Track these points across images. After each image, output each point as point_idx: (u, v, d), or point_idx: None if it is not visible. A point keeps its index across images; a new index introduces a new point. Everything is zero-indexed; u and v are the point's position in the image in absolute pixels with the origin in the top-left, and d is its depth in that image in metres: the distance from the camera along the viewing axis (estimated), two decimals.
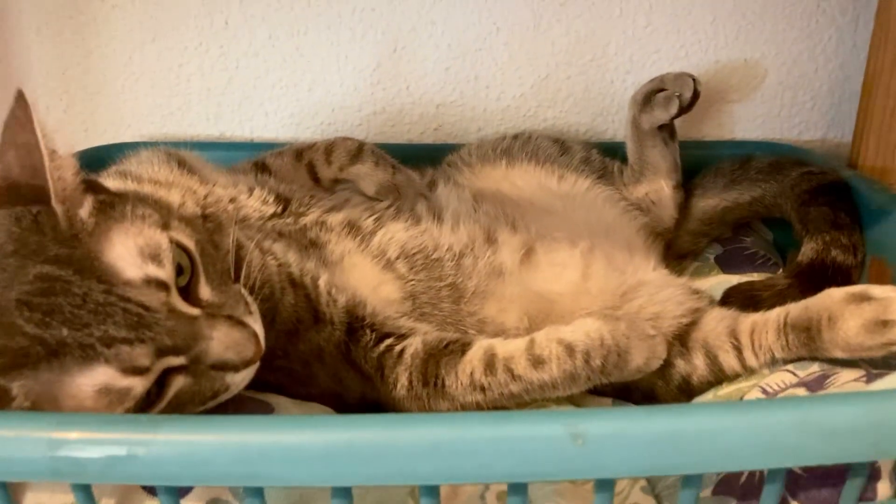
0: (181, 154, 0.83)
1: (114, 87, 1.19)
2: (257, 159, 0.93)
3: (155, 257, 0.57)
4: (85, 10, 1.15)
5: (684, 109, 1.00)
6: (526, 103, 1.18)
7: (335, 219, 0.85)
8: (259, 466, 0.49)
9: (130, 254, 0.57)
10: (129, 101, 1.20)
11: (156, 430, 0.49)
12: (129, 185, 0.76)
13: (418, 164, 1.05)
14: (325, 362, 0.74)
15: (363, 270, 0.83)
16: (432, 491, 0.52)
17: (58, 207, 0.57)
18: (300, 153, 0.93)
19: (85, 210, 0.58)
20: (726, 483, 0.63)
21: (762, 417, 0.50)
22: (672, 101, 0.99)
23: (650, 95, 1.01)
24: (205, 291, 0.60)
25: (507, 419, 0.50)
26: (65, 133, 1.21)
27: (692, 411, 0.51)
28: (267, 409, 0.67)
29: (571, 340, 0.71)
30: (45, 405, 0.53)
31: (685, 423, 0.49)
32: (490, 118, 1.19)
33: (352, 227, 0.85)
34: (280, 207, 0.83)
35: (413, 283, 0.83)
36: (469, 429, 0.50)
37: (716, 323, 0.84)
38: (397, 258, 0.84)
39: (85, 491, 0.53)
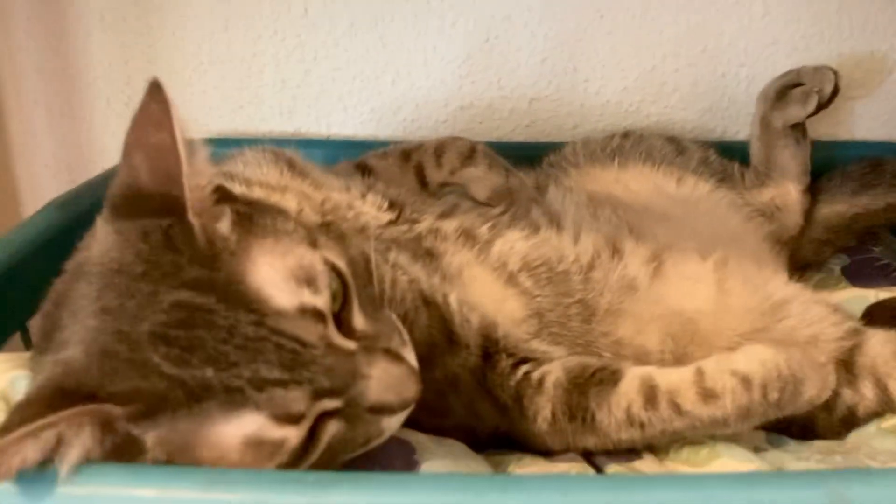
0: (289, 155, 0.75)
1: (180, 78, 1.10)
2: (359, 161, 0.84)
3: (310, 282, 0.48)
4: None
5: (822, 106, 0.91)
6: (628, 98, 1.09)
7: (449, 226, 0.76)
8: None
9: (281, 277, 0.48)
10: (197, 94, 1.11)
11: (326, 493, 0.41)
12: (238, 189, 0.67)
13: (510, 163, 0.96)
14: (461, 391, 0.66)
15: (484, 285, 0.74)
16: None
17: (195, 221, 0.48)
18: (408, 154, 0.84)
19: (224, 224, 0.49)
20: None
21: None
22: (811, 96, 0.90)
23: (785, 90, 0.92)
24: (358, 320, 0.51)
25: (761, 481, 0.41)
26: (125, 129, 1.12)
27: None
28: (408, 449, 0.58)
29: (747, 371, 0.63)
30: (180, 458, 0.44)
31: None
32: (587, 114, 1.10)
33: (467, 236, 0.76)
34: (395, 214, 0.74)
35: (539, 298, 0.74)
36: (712, 491, 0.41)
37: (881, 346, 0.75)
38: (520, 271, 0.75)
39: None
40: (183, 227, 0.48)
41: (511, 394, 0.66)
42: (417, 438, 0.60)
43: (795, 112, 0.91)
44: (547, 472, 0.64)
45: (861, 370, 0.74)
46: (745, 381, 0.62)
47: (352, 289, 0.51)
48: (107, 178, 0.62)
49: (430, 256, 0.74)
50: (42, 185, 1.14)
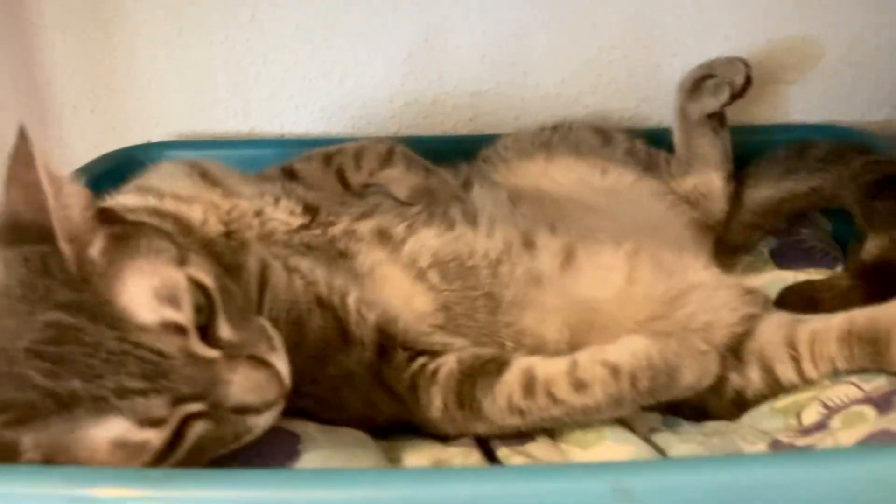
0: (204, 165, 0.80)
1: (141, 84, 1.16)
2: (285, 165, 0.89)
3: (172, 299, 0.54)
4: (107, 2, 1.12)
5: (735, 97, 0.93)
6: (566, 90, 1.12)
7: (365, 227, 0.81)
8: None
9: (145, 296, 0.53)
10: (157, 99, 1.17)
11: (168, 487, 0.46)
12: (150, 202, 0.73)
13: (454, 157, 1.01)
14: (356, 386, 0.71)
15: (394, 282, 0.79)
16: None
17: (65, 248, 0.54)
18: (329, 158, 0.89)
19: (96, 248, 0.55)
20: None
21: (825, 469, 0.45)
22: (722, 88, 0.93)
23: (699, 82, 0.95)
24: (224, 330, 0.57)
25: (547, 473, 0.46)
26: (93, 133, 1.19)
27: (747, 462, 0.46)
28: (293, 440, 0.64)
29: (616, 361, 0.67)
30: (58, 458, 0.51)
31: (738, 476, 0.45)
32: (528, 107, 1.13)
33: (382, 236, 0.81)
34: (308, 218, 0.79)
35: (447, 293, 0.79)
36: (506, 483, 0.46)
37: (772, 332, 0.78)
38: (429, 267, 0.80)
39: None
40: (56, 254, 0.53)
41: (406, 385, 0.71)
42: (306, 429, 0.66)
43: (709, 103, 0.94)
44: (439, 457, 0.69)
45: (749, 355, 0.78)
46: (615, 371, 0.66)
47: (217, 303, 0.56)
48: None
49: (343, 257, 0.79)
50: None
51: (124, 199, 0.74)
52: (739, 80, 0.92)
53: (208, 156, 0.84)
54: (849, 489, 0.44)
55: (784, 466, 0.45)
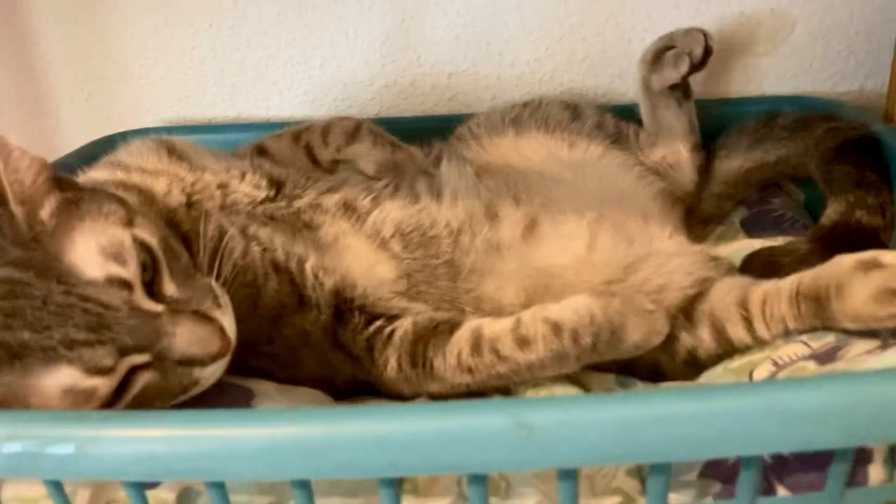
0: (172, 141, 0.83)
1: (131, 72, 1.20)
2: (257, 143, 0.93)
3: (117, 256, 0.57)
4: None
5: (696, 67, 0.95)
6: (541, 68, 1.15)
7: (331, 200, 0.84)
8: (204, 462, 0.49)
9: (92, 253, 0.57)
10: (148, 86, 1.21)
11: (103, 427, 0.50)
12: (118, 175, 0.76)
13: (433, 135, 1.03)
14: (312, 346, 0.74)
15: (357, 251, 0.82)
16: (390, 482, 0.52)
17: (17, 210, 0.57)
18: (297, 135, 0.92)
19: (46, 211, 0.59)
20: (713, 466, 0.61)
21: (717, 403, 0.47)
22: (682, 58, 0.94)
23: (659, 54, 0.97)
24: (169, 287, 0.60)
25: (452, 411, 0.49)
26: (89, 121, 1.24)
27: (644, 399, 0.48)
28: (248, 395, 0.67)
29: (558, 319, 0.69)
30: (12, 405, 0.54)
31: (635, 411, 0.47)
32: (504, 85, 1.16)
33: (347, 208, 0.84)
34: (273, 191, 0.82)
35: (408, 261, 0.82)
36: (412, 422, 0.48)
37: (724, 293, 0.80)
38: (392, 237, 0.83)
39: (54, 485, 0.54)
40: (8, 215, 0.57)
41: (362, 346, 0.74)
42: (262, 387, 0.69)
43: (670, 74, 0.96)
44: None
45: (700, 315, 0.79)
46: (556, 328, 0.69)
47: (161, 262, 0.60)
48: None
49: (307, 228, 0.82)
50: None
51: (95, 174, 0.78)
52: (699, 50, 0.94)
53: (197, 140, 0.88)
54: (737, 421, 0.46)
55: (676, 401, 0.47)
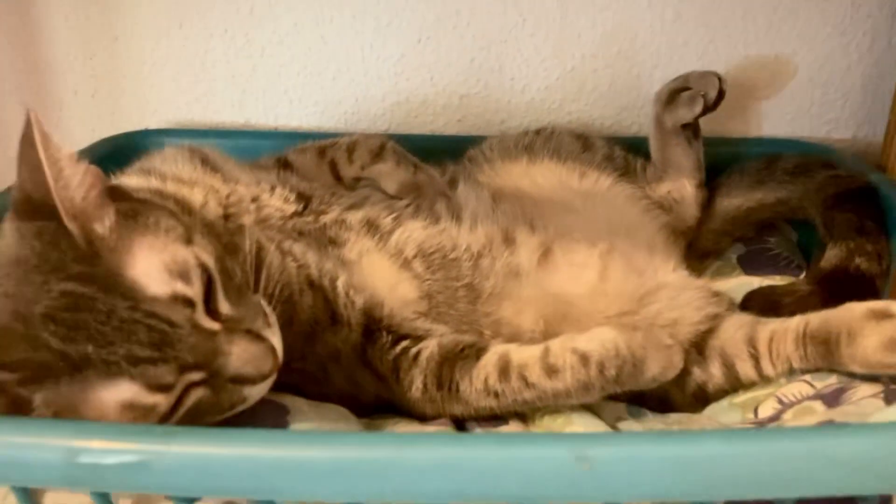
0: (205, 151, 0.84)
1: (140, 72, 1.20)
2: (280, 155, 0.93)
3: (183, 274, 0.58)
4: None
5: (709, 109, 0.98)
6: (551, 96, 1.17)
7: (355, 217, 0.85)
8: (269, 481, 0.50)
9: (156, 270, 0.57)
10: (156, 87, 1.20)
11: (170, 442, 0.50)
12: (153, 183, 0.76)
13: (441, 155, 1.05)
14: (341, 363, 0.75)
15: (381, 269, 0.83)
16: None
17: (71, 225, 0.57)
18: (323, 150, 0.93)
19: (104, 225, 0.59)
20: None
21: (771, 446, 0.50)
22: (696, 100, 0.98)
23: (674, 94, 1.00)
24: (224, 306, 0.61)
25: (514, 442, 0.50)
26: (92, 118, 1.22)
27: (701, 438, 0.51)
28: (282, 411, 0.68)
29: (586, 350, 0.71)
30: (66, 415, 0.55)
31: (693, 450, 0.50)
32: (514, 110, 1.18)
33: (370, 226, 0.85)
34: (301, 206, 0.83)
35: (429, 282, 0.84)
36: (475, 449, 0.50)
37: (734, 330, 0.84)
38: (414, 257, 0.84)
39: (103, 497, 0.54)
40: (64, 231, 0.57)
41: (389, 366, 0.76)
42: (295, 403, 0.70)
43: (683, 114, 0.99)
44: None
45: (711, 351, 0.83)
46: (584, 359, 0.71)
47: (216, 282, 0.61)
48: None
49: (333, 244, 0.83)
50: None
51: (128, 180, 0.77)
52: (713, 93, 0.97)
53: (203, 144, 0.88)
54: (784, 462, 0.49)
55: (731, 441, 0.50)
